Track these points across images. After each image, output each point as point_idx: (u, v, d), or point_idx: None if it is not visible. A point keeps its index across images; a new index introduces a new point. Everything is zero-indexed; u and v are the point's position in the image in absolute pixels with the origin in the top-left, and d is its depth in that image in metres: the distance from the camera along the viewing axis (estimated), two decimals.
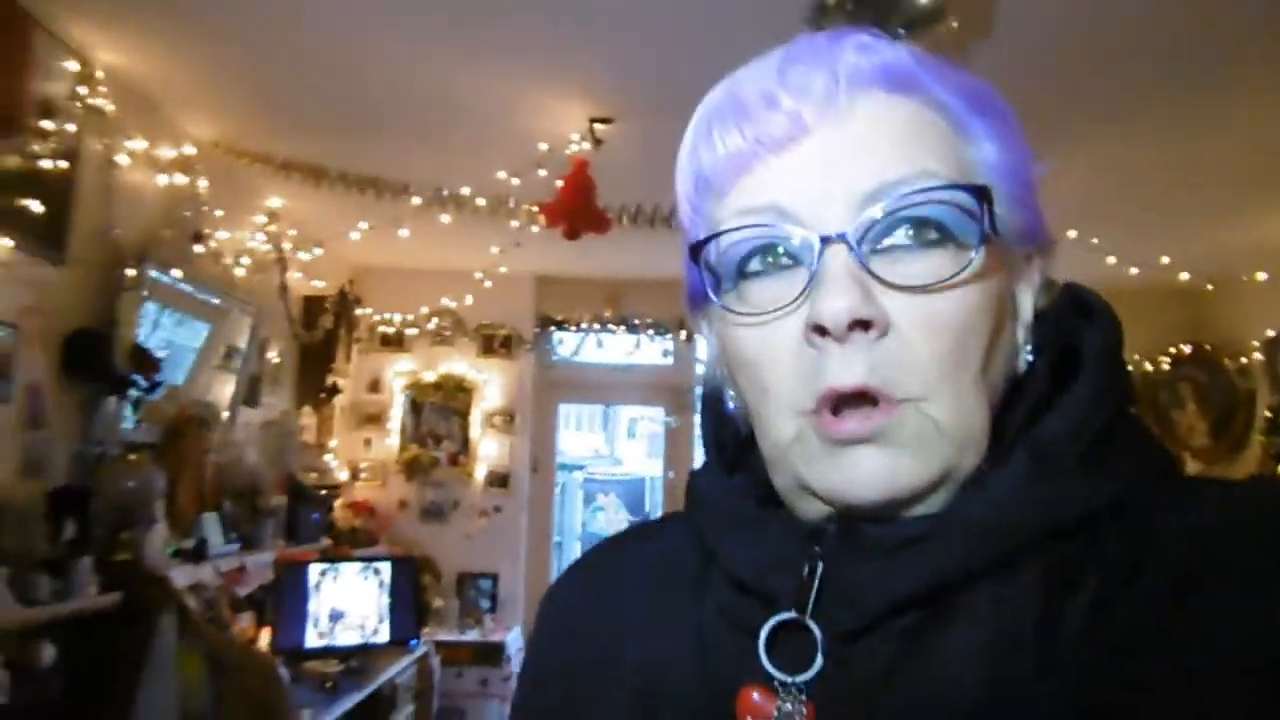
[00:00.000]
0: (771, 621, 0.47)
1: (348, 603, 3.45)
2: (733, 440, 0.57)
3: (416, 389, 5.40)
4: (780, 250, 0.48)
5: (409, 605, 3.56)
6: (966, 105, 0.49)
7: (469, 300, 4.88)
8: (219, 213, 3.48)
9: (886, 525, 0.47)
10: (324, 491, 4.13)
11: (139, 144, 3.00)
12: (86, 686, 2.39)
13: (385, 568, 3.58)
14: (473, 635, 4.82)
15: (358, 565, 3.53)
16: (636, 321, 5.52)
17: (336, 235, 3.96)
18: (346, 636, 3.43)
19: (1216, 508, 0.46)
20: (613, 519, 5.87)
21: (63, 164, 2.59)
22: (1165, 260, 4.09)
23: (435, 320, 5.26)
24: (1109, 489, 0.46)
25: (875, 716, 0.44)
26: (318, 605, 3.36)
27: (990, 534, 0.44)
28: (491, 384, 5.44)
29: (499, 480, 5.37)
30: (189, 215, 3.31)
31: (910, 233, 0.46)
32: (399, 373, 5.42)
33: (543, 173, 3.09)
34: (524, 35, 2.65)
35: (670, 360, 5.69)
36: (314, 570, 3.35)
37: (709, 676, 0.50)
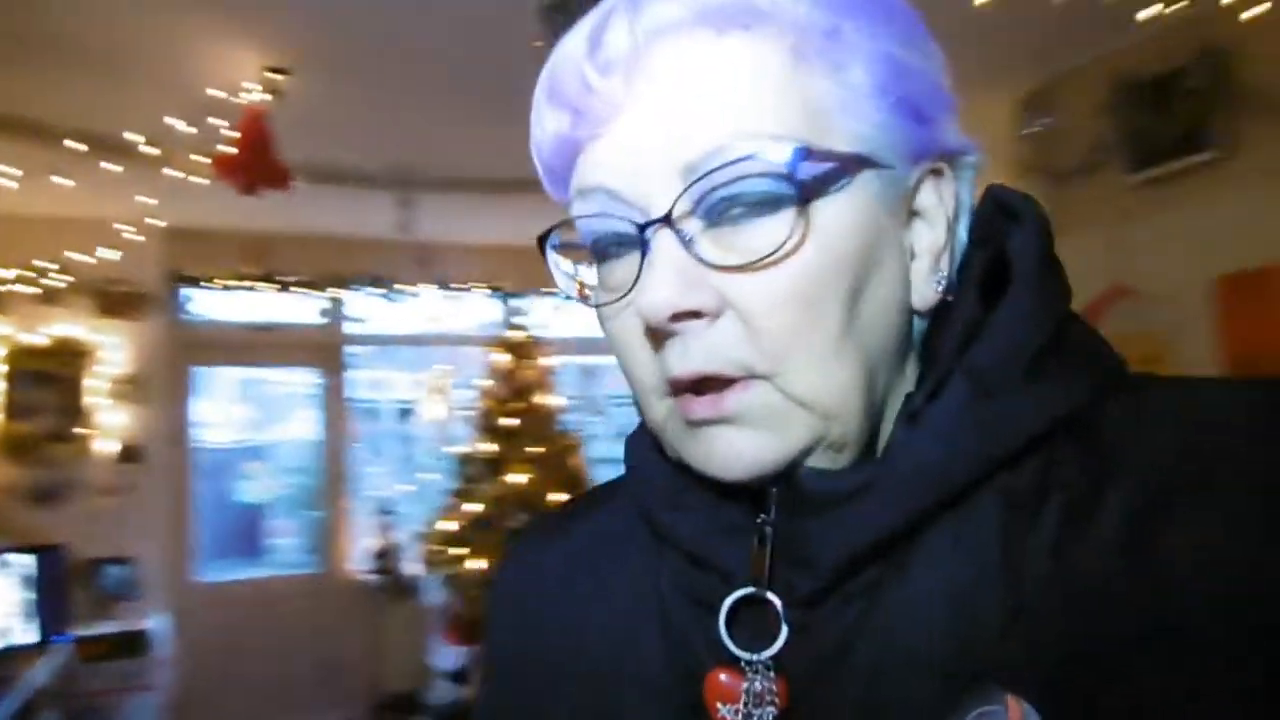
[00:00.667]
0: (729, 600, 0.46)
1: None
2: None
3: (18, 355, 4.65)
4: (617, 236, 0.46)
5: (57, 599, 3.17)
6: (827, 20, 0.44)
7: (95, 261, 4.31)
8: None
9: (828, 477, 0.45)
10: None
11: None
12: None
13: (24, 560, 3.15)
14: (110, 627, 4.36)
15: None
16: (282, 277, 5.25)
17: None
18: None
19: (1179, 417, 0.44)
20: (267, 485, 5.56)
21: None
22: None
23: (46, 278, 4.55)
24: (1057, 406, 0.43)
25: (846, 682, 0.43)
26: None
27: (937, 471, 0.42)
28: (114, 348, 4.86)
29: (130, 455, 4.84)
30: None
31: (736, 208, 0.43)
32: None
33: (223, 127, 2.88)
34: None
35: (325, 320, 5.50)
36: None
37: (674, 657, 0.49)
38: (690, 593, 0.49)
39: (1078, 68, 3.29)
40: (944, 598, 0.42)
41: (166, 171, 3.13)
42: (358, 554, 5.52)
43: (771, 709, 0.44)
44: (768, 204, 0.43)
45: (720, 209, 0.43)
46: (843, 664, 0.43)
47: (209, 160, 2.99)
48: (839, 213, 0.44)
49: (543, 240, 0.49)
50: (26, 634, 3.13)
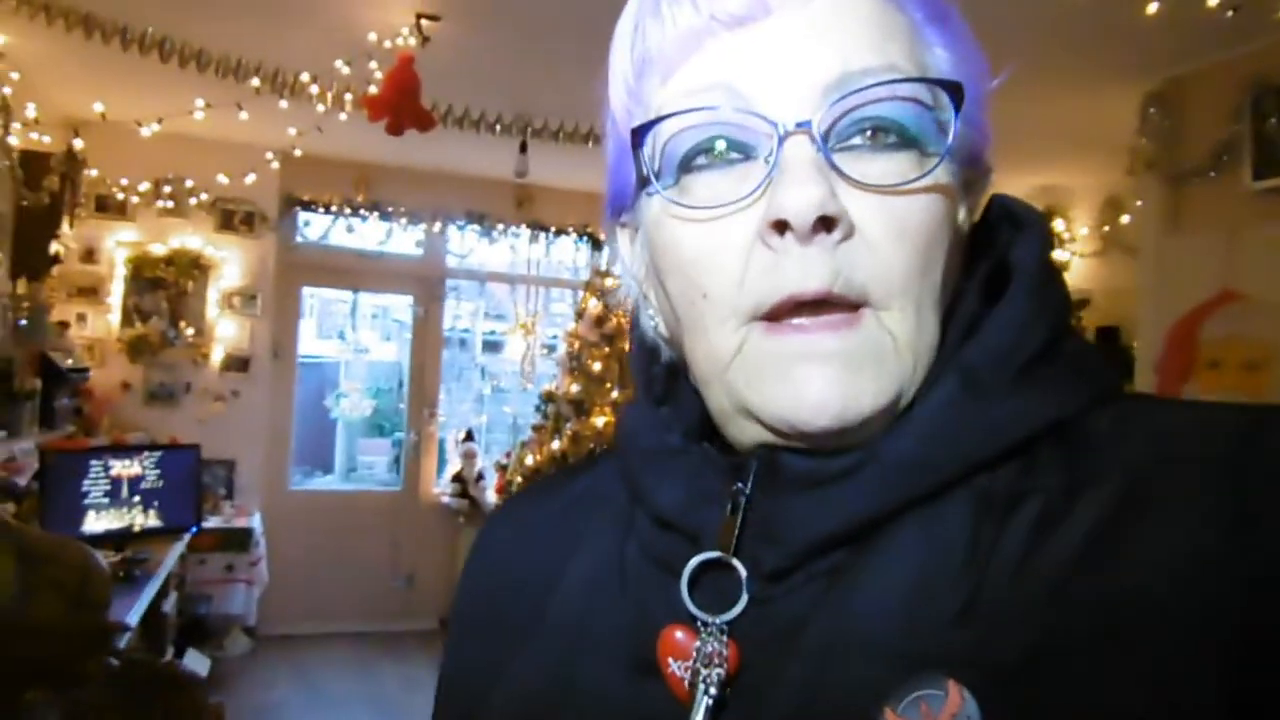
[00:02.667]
0: (694, 561, 0.46)
1: (119, 491, 3.28)
2: (663, 372, 0.54)
3: (142, 262, 4.94)
4: (729, 141, 0.44)
5: (187, 493, 3.45)
6: (925, 10, 0.46)
7: (222, 180, 4.56)
8: None
9: (810, 459, 0.44)
10: (74, 373, 3.76)
11: None
12: None
13: (158, 456, 3.43)
14: (215, 522, 4.68)
15: (131, 452, 3.35)
16: (389, 209, 5.45)
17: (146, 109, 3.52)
18: (118, 525, 3.28)
19: (1159, 432, 0.44)
20: (357, 405, 5.84)
21: None
22: None
23: (169, 188, 4.81)
24: (1042, 413, 0.43)
25: (796, 655, 0.43)
26: (88, 493, 3.17)
27: (916, 467, 0.42)
28: (230, 262, 5.13)
29: (238, 364, 5.14)
30: None
31: (870, 134, 0.43)
32: (121, 243, 4.91)
33: (373, 67, 3.04)
34: None
35: (421, 251, 5.70)
36: (87, 459, 3.14)
37: (633, 616, 0.49)
38: (655, 555, 0.49)
39: (1210, 67, 3.27)
40: (903, 587, 0.42)
41: (319, 107, 3.30)
42: (439, 477, 5.80)
43: (720, 670, 0.44)
44: (904, 137, 0.43)
45: (849, 133, 0.43)
46: (795, 639, 0.43)
47: (354, 97, 3.14)
48: (951, 176, 0.45)
49: (639, 133, 0.46)
50: (158, 522, 3.41)
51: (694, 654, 0.44)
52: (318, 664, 4.93)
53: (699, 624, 0.45)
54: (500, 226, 5.69)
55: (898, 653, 0.40)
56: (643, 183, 0.47)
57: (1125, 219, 4.35)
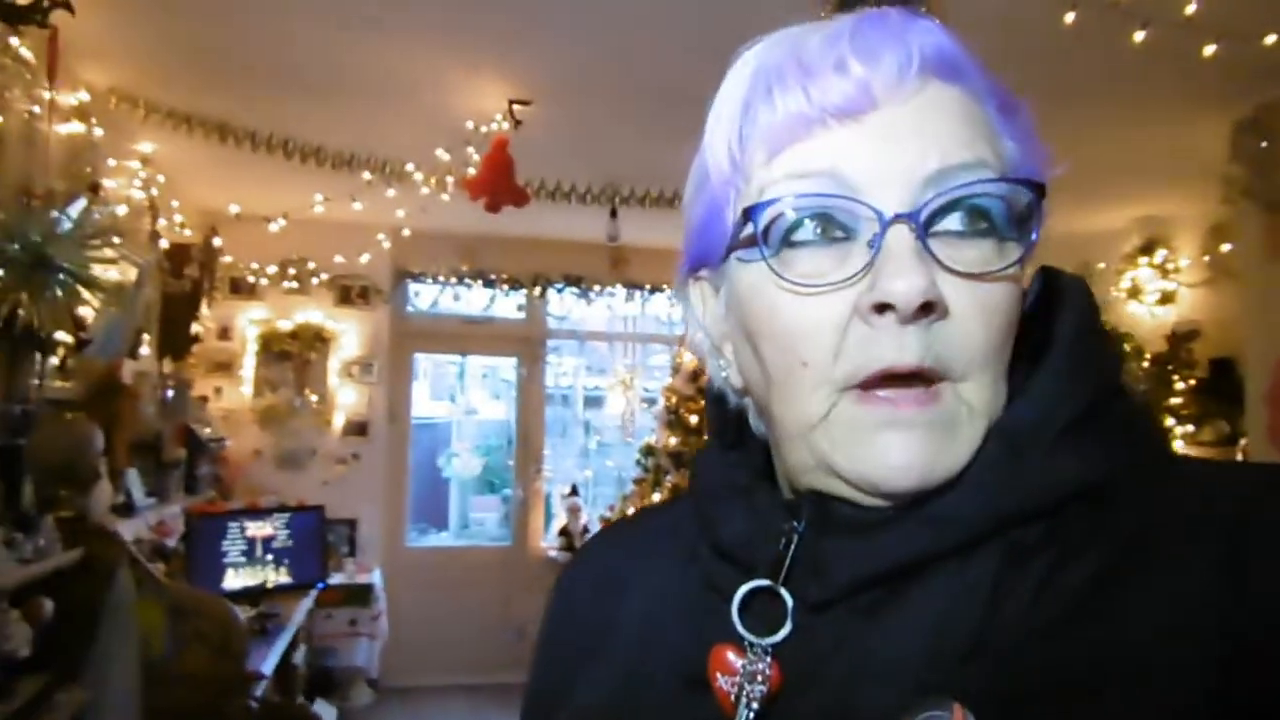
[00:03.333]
0: (745, 587, 0.50)
1: (254, 550, 3.56)
2: (733, 418, 0.59)
3: (270, 337, 5.36)
4: (834, 221, 0.47)
5: (314, 550, 3.72)
6: (998, 103, 0.50)
7: (339, 260, 4.94)
8: (111, 162, 3.40)
9: (856, 508, 0.48)
10: (213, 443, 4.12)
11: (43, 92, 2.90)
12: (49, 643, 2.45)
13: (287, 517, 3.72)
14: (338, 578, 4.96)
15: (264, 515, 3.65)
16: (492, 276, 5.75)
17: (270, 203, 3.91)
18: (253, 581, 3.56)
19: (1178, 490, 0.47)
20: (468, 463, 6.11)
21: None
22: None
23: (293, 270, 5.24)
24: (1075, 477, 0.46)
25: (826, 681, 0.47)
26: (227, 552, 3.46)
27: (954, 521, 0.46)
28: (349, 333, 5.50)
29: (357, 429, 5.47)
30: (87, 167, 3.21)
31: (964, 220, 0.47)
32: (252, 320, 5.35)
33: (471, 150, 3.30)
34: (449, 14, 2.83)
35: (523, 314, 5.98)
36: (226, 521, 3.44)
37: (690, 636, 0.53)
38: (714, 582, 0.54)
39: None
40: (925, 624, 0.45)
41: (423, 190, 3.58)
42: (547, 531, 5.98)
43: (762, 688, 0.48)
44: (988, 225, 0.47)
45: (940, 220, 0.46)
46: (828, 666, 0.47)
47: (455, 179, 3.40)
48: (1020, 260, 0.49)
49: (752, 210, 0.49)
50: (288, 579, 3.67)
51: (740, 671, 0.49)
52: (435, 715, 5.12)
53: (747, 645, 0.49)
54: (597, 287, 5.92)
55: (914, 681, 0.44)
56: (734, 247, 0.51)
57: (1226, 247, 4.23)
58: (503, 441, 6.54)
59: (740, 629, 0.50)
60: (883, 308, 0.45)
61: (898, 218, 0.45)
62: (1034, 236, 0.47)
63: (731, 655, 0.50)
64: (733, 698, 0.49)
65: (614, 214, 4.22)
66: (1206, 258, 4.39)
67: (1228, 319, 4.22)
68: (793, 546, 0.50)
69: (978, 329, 0.46)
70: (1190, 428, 4.39)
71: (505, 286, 5.79)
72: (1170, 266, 4.74)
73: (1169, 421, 4.38)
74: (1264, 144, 3.28)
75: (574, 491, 5.92)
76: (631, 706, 0.55)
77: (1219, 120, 3.40)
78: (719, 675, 0.50)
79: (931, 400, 0.46)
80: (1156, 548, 0.44)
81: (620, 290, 5.96)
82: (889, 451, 0.46)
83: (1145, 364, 4.63)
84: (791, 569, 0.50)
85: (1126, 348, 4.65)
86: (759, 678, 0.48)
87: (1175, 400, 4.46)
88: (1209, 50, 2.51)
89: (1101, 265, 4.94)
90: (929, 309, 0.45)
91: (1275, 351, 3.16)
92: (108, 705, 2.40)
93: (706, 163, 0.53)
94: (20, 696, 2.14)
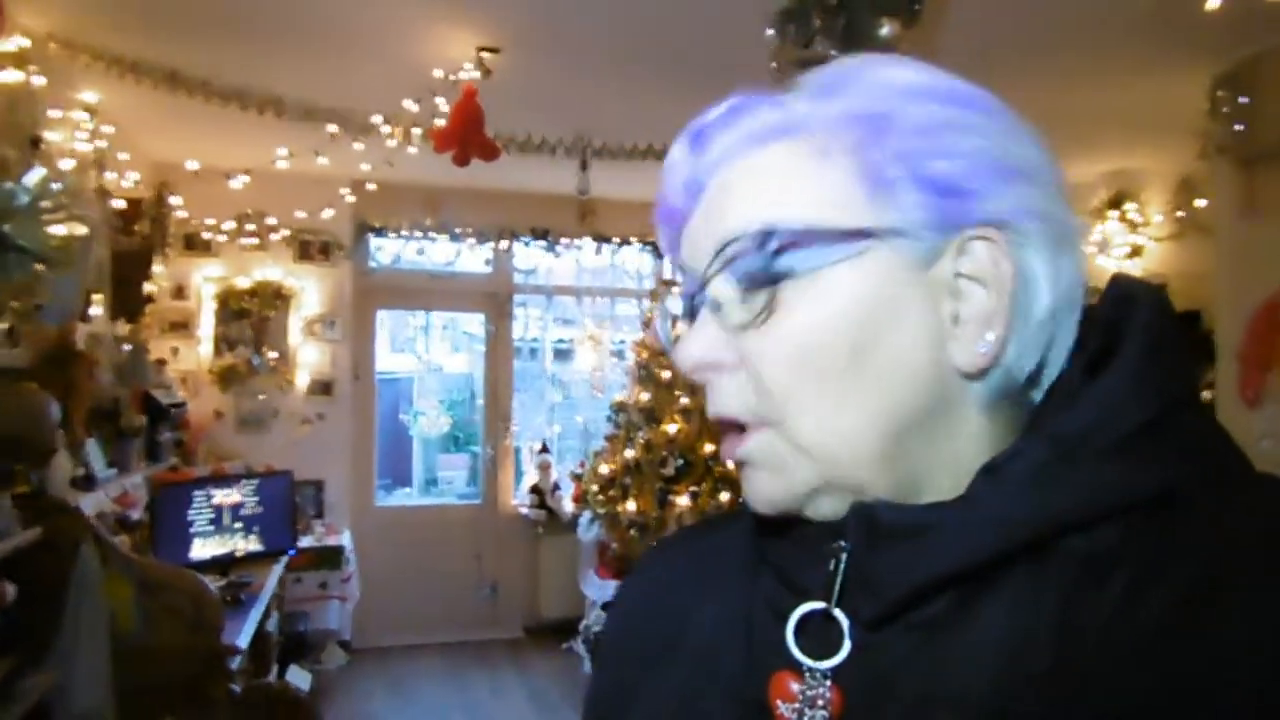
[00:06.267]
0: (799, 611, 0.50)
1: (221, 518, 3.47)
2: None
3: (228, 294, 5.18)
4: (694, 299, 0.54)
5: (283, 516, 3.63)
6: (859, 113, 0.49)
7: (300, 214, 4.76)
8: (55, 113, 3.20)
9: (900, 511, 0.48)
10: (173, 408, 3.99)
11: None
12: (13, 626, 2.36)
13: (256, 483, 3.62)
14: (307, 541, 4.89)
15: (230, 481, 3.54)
16: (457, 230, 5.61)
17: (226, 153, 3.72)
18: (221, 550, 3.47)
19: (1259, 513, 0.46)
20: (435, 421, 6.02)
21: None
22: None
23: (251, 225, 5.04)
24: (1141, 483, 0.45)
25: (894, 704, 0.46)
26: (193, 522, 3.36)
27: (996, 524, 0.45)
28: (309, 290, 5.34)
29: (322, 388, 5.35)
30: (25, 118, 3.02)
31: (741, 283, 0.50)
32: (208, 278, 5.17)
33: (439, 101, 3.16)
34: None
35: (490, 268, 5.85)
36: (191, 489, 3.33)
37: (752, 659, 0.53)
38: (773, 606, 0.53)
39: (1277, 49, 3.18)
40: (998, 643, 0.44)
41: (390, 143, 3.44)
42: (517, 488, 5.94)
43: (824, 713, 0.48)
44: (768, 276, 0.49)
45: (747, 281, 0.49)
46: (894, 688, 0.46)
47: (422, 131, 3.26)
48: (835, 279, 0.48)
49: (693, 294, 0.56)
50: (258, 546, 3.59)
51: (800, 697, 0.48)
52: (410, 674, 5.10)
53: (805, 670, 0.49)
54: (565, 240, 5.80)
55: (988, 707, 0.43)
56: None
57: (1200, 203, 4.24)
58: (466, 395, 6.45)
59: (796, 653, 0.49)
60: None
61: (697, 290, 0.52)
62: (765, 281, 0.49)
63: (792, 682, 0.49)
64: None
65: (584, 166, 4.11)
66: (1180, 213, 4.41)
67: (1193, 273, 4.25)
68: (842, 564, 0.49)
69: (770, 373, 0.49)
70: None
71: (471, 240, 5.65)
72: (1140, 220, 4.76)
73: None
74: (1243, 99, 3.27)
75: (544, 448, 5.87)
76: None
77: (1196, 74, 3.37)
78: (779, 703, 0.50)
79: (741, 441, 0.51)
80: (1239, 573, 0.43)
81: (589, 243, 5.86)
82: (744, 483, 0.52)
83: None
84: (845, 588, 0.49)
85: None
86: (819, 703, 0.48)
87: None
88: (1212, 3, 2.45)
89: None
90: (715, 367, 0.51)
91: (1248, 308, 3.19)
92: (77, 686, 2.33)
93: None
94: None
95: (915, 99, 0.49)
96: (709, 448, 4.98)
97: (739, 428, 0.51)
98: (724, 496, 4.95)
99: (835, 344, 0.48)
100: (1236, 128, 3.26)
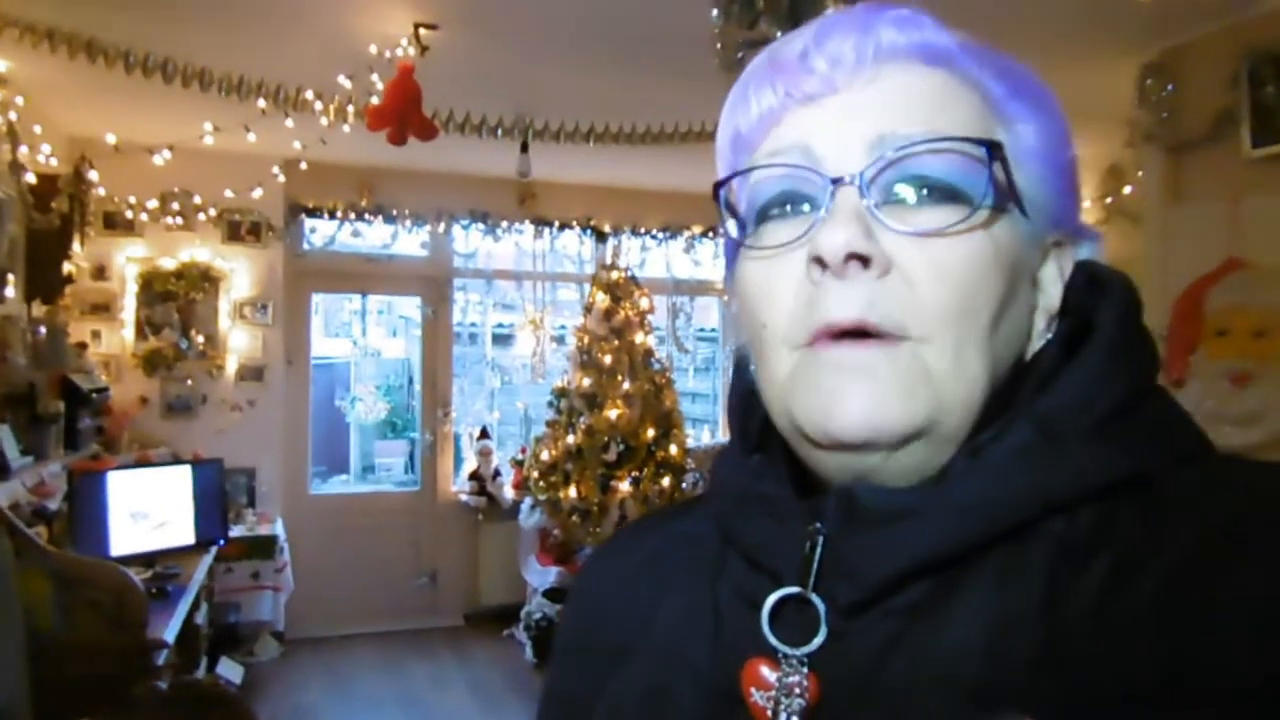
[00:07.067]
0: (774, 596, 0.48)
1: (146, 508, 3.34)
2: (758, 424, 0.57)
3: (152, 276, 4.99)
4: (800, 194, 0.50)
5: (213, 506, 3.51)
6: (1006, 88, 0.51)
7: (228, 194, 4.59)
8: None
9: (881, 494, 0.47)
10: (95, 394, 3.81)
11: None
12: None
13: (183, 471, 3.49)
14: (238, 530, 4.75)
15: (157, 469, 3.40)
16: (393, 211, 5.48)
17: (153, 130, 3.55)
18: (147, 542, 3.34)
19: (1240, 492, 0.45)
20: (372, 408, 5.90)
21: None
22: None
23: (176, 204, 4.85)
24: (1118, 464, 0.45)
25: (876, 691, 0.45)
26: (116, 512, 3.23)
27: (982, 507, 0.45)
28: (239, 273, 5.17)
29: (253, 374, 5.19)
30: None
31: (922, 190, 0.47)
32: (130, 259, 4.96)
33: (375, 79, 3.07)
34: None
35: (427, 252, 5.74)
36: (114, 478, 3.19)
37: (722, 650, 0.52)
38: (744, 592, 0.52)
39: (1205, 37, 3.27)
40: (981, 628, 0.44)
41: (323, 120, 3.33)
42: (456, 475, 5.86)
43: (800, 701, 0.46)
44: (950, 192, 0.47)
45: (896, 188, 0.48)
46: (875, 675, 0.45)
47: (356, 109, 3.17)
48: (1003, 228, 0.48)
49: (718, 186, 0.54)
50: (188, 536, 3.47)
51: (775, 685, 0.47)
52: (347, 665, 5.01)
53: (780, 656, 0.47)
54: (504, 224, 5.72)
55: (976, 691, 0.42)
56: (739, 242, 0.53)
57: (1128, 189, 4.36)
58: (404, 381, 6.33)
59: (772, 639, 0.48)
60: (818, 262, 0.46)
61: (840, 181, 0.47)
62: (987, 199, 0.47)
63: (765, 669, 0.48)
64: (769, 713, 0.47)
65: (525, 148, 4.04)
66: (1108, 199, 4.52)
67: (1121, 258, 4.36)
68: (819, 548, 0.48)
69: (930, 288, 0.46)
70: None
71: (408, 222, 5.53)
72: None
73: None
74: (1169, 88, 3.36)
75: (484, 434, 5.80)
76: (664, 718, 0.53)
77: (1125, 64, 3.45)
78: (753, 690, 0.48)
79: (880, 349, 0.46)
80: (1226, 553, 0.42)
81: (529, 227, 5.78)
82: (833, 395, 0.46)
83: None
84: (821, 572, 0.48)
85: None
86: (796, 690, 0.46)
87: None
88: None
89: None
90: (865, 261, 0.46)
91: (1173, 291, 3.28)
92: None
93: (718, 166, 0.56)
94: None
95: (1052, 114, 0.52)
96: (650, 433, 4.98)
97: (855, 334, 0.46)
98: (665, 482, 4.96)
99: (994, 286, 0.47)
100: (1163, 116, 3.34)
